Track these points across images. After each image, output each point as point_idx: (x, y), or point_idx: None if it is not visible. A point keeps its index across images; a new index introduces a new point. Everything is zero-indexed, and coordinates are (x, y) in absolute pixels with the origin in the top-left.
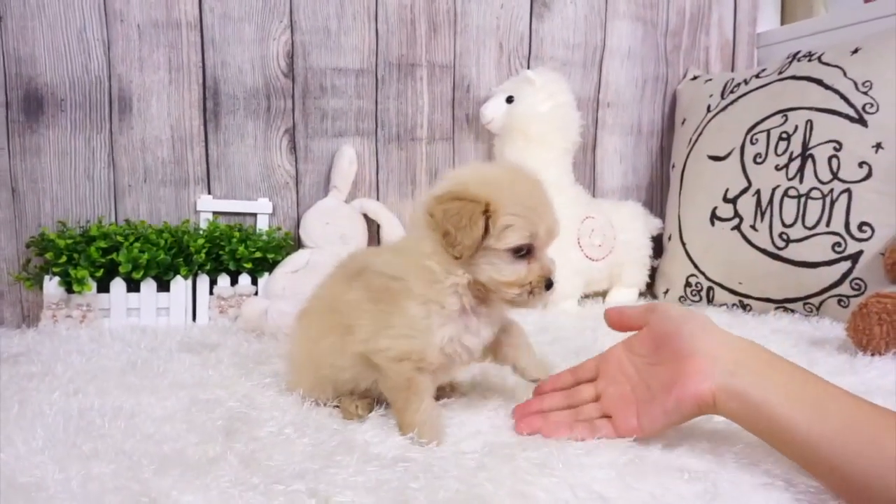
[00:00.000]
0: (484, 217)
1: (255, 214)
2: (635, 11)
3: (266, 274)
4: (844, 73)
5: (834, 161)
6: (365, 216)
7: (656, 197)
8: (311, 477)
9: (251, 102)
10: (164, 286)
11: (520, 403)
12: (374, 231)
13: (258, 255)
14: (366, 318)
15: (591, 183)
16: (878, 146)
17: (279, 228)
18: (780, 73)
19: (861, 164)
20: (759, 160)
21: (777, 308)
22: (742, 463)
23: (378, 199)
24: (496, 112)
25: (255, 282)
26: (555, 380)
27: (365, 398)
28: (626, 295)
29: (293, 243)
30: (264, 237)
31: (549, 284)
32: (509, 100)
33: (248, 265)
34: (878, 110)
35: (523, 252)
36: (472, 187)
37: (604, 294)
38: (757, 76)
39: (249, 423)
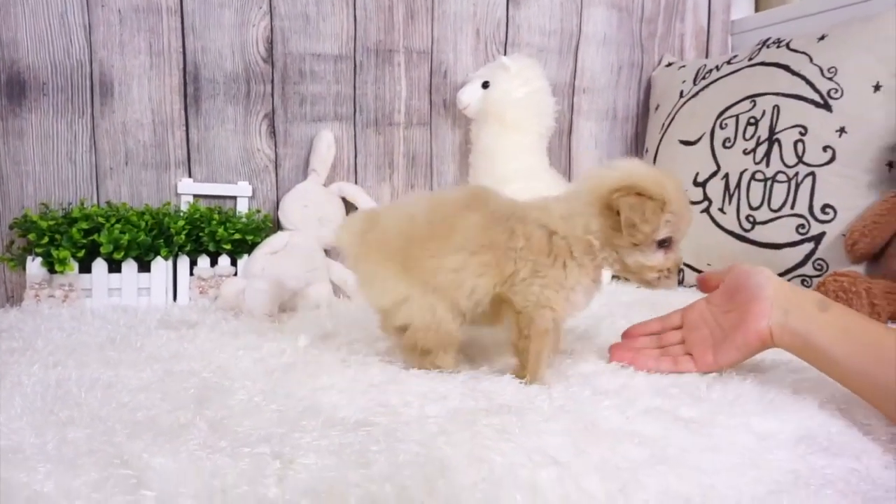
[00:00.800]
0: (661, 213)
1: (235, 197)
2: None
3: (245, 255)
4: (811, 60)
5: (799, 145)
6: (343, 199)
7: None
8: (276, 441)
9: (231, 87)
10: (145, 267)
11: (614, 343)
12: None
13: (237, 236)
14: (521, 265)
15: (567, 168)
16: (842, 131)
17: (258, 211)
18: (750, 59)
19: (825, 149)
20: (728, 145)
21: None
22: (691, 429)
23: (356, 182)
24: (472, 97)
25: (234, 263)
26: (644, 326)
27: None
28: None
29: (272, 225)
30: (244, 219)
31: (678, 271)
32: (485, 85)
33: (228, 246)
34: (842, 96)
35: (665, 243)
36: (651, 187)
37: None
38: (728, 62)
39: (221, 392)
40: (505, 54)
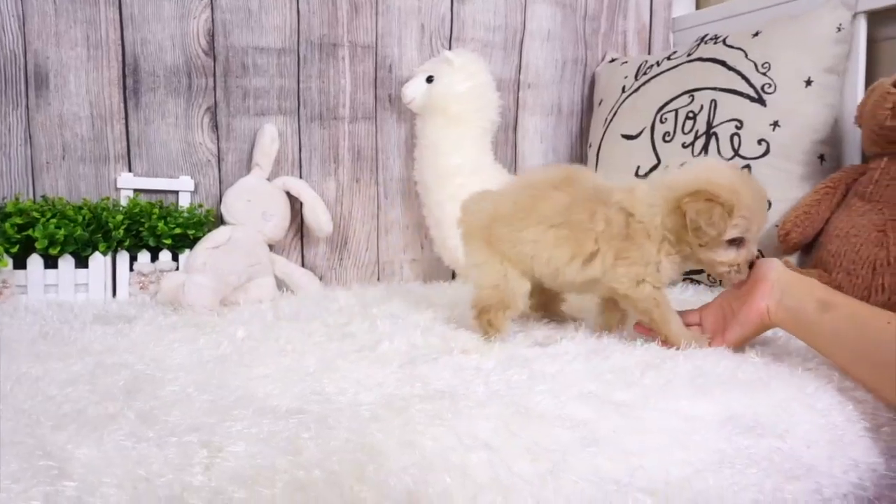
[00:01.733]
0: (729, 218)
1: (176, 192)
2: None
3: (187, 250)
4: (746, 55)
5: (735, 139)
6: (287, 194)
7: None
8: (206, 430)
9: (172, 80)
10: (82, 262)
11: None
12: (297, 209)
13: (179, 231)
14: (604, 248)
15: (513, 162)
16: (775, 124)
17: (201, 206)
18: (689, 55)
19: (760, 142)
20: (667, 138)
21: (684, 280)
22: (622, 412)
23: (301, 177)
24: (416, 92)
25: (175, 258)
26: None
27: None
28: None
29: (215, 220)
30: (185, 214)
31: (750, 265)
32: (429, 80)
33: (169, 241)
34: (775, 90)
35: (737, 242)
36: (723, 193)
37: None
38: (668, 58)
39: (153, 383)
40: (450, 49)
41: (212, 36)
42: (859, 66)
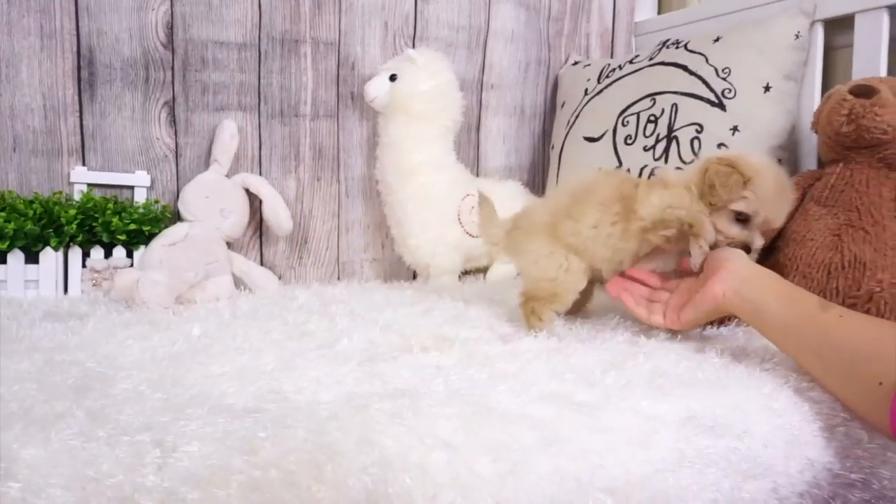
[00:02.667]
0: (742, 188)
1: (132, 187)
2: None
3: (142, 247)
4: (707, 60)
5: (696, 142)
6: (247, 191)
7: (538, 177)
8: (158, 429)
9: (129, 73)
10: (33, 258)
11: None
12: (256, 206)
13: (134, 227)
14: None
15: (475, 162)
16: (735, 129)
17: (157, 201)
18: (651, 59)
19: (719, 146)
20: (629, 141)
21: None
22: (584, 412)
23: (261, 174)
24: (379, 90)
25: (130, 255)
26: (646, 274)
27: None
28: (505, 270)
29: (172, 217)
30: (141, 209)
31: (745, 248)
32: (392, 78)
33: (123, 237)
34: (735, 95)
35: (742, 217)
36: (744, 166)
37: (484, 270)
38: (630, 62)
39: (104, 381)
40: (413, 48)
41: (171, 29)
42: (816, 73)
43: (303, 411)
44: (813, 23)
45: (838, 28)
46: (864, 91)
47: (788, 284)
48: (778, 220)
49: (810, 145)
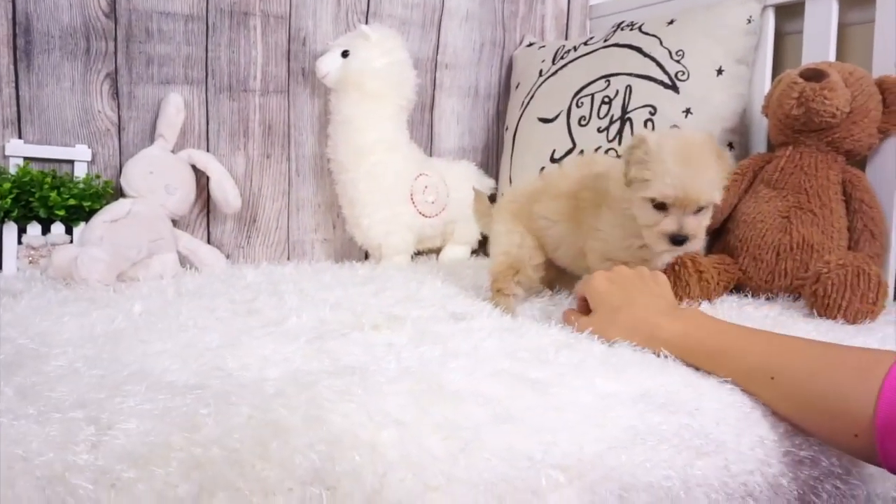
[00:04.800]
0: (638, 161)
1: (72, 161)
2: None
3: (82, 223)
4: (661, 42)
5: (649, 124)
6: (193, 168)
7: (492, 159)
8: (94, 406)
9: (68, 42)
10: None
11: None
12: (203, 183)
13: (73, 202)
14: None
15: (429, 143)
16: (688, 111)
17: (98, 176)
18: (606, 40)
19: (672, 128)
20: (583, 123)
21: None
22: (536, 389)
23: (208, 150)
24: (331, 66)
25: (69, 231)
26: None
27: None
28: (459, 252)
29: (114, 193)
30: (81, 185)
31: (674, 240)
32: (345, 54)
33: (62, 213)
34: (688, 78)
35: (658, 205)
36: (651, 142)
37: (438, 251)
38: (585, 43)
39: (37, 358)
40: (366, 24)
41: None
42: (767, 57)
43: (248, 388)
44: (764, 8)
45: (789, 14)
46: (815, 75)
47: (715, 337)
48: (702, 195)
49: (761, 128)
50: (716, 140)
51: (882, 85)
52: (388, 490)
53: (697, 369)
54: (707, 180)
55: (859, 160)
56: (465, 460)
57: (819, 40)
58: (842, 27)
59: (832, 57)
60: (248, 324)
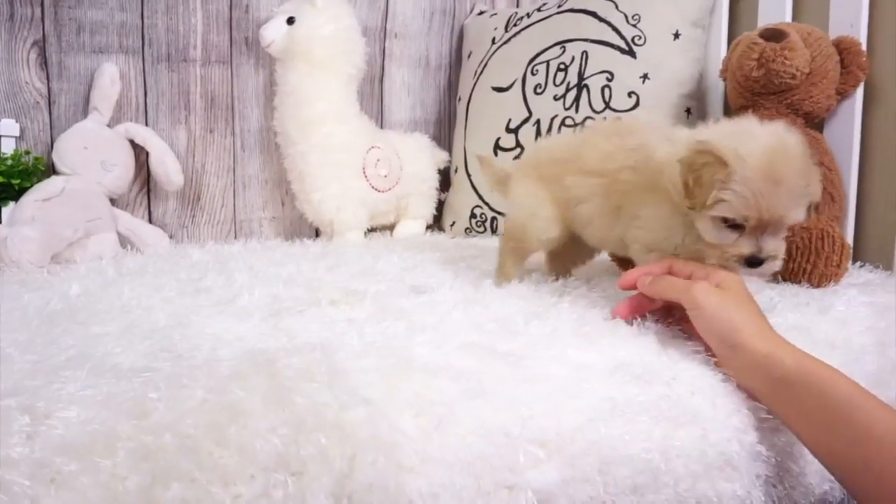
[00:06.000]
0: (718, 181)
1: None
2: None
3: (12, 203)
4: (616, 7)
5: (606, 91)
6: (132, 143)
7: (444, 131)
8: (28, 394)
9: None
10: None
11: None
12: (142, 160)
13: (1, 180)
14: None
15: (379, 115)
16: (645, 77)
17: (28, 152)
18: (560, 6)
19: (630, 94)
20: (539, 91)
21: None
22: (509, 362)
23: (147, 124)
24: (276, 34)
25: None
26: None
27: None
28: (413, 227)
29: (45, 170)
30: (9, 161)
31: (750, 262)
32: (290, 21)
33: None
34: (645, 42)
35: (733, 224)
36: (728, 155)
37: (391, 227)
38: (539, 10)
39: None
40: None
41: None
42: (723, 21)
43: (201, 370)
44: None
45: None
46: (775, 35)
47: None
48: (789, 218)
49: (717, 93)
50: (804, 143)
51: (840, 45)
52: (358, 473)
53: (672, 336)
54: (796, 196)
55: (817, 122)
56: (440, 438)
57: (775, 2)
58: None
59: (788, 18)
60: (197, 303)
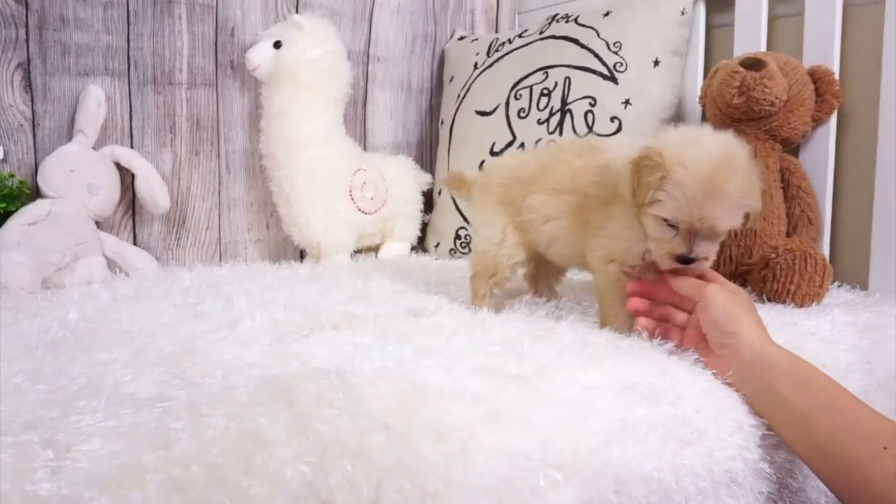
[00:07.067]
0: (655, 183)
1: None
2: None
3: None
4: (598, 34)
5: (589, 116)
6: (118, 165)
7: (426, 154)
8: (47, 427)
9: None
10: None
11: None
12: (127, 183)
13: None
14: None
15: (362, 138)
16: (627, 102)
17: (12, 175)
18: (542, 32)
19: (612, 119)
20: (522, 115)
21: None
22: (520, 384)
23: (132, 147)
24: (263, 58)
25: None
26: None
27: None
28: (398, 249)
29: (30, 193)
30: None
31: (681, 259)
32: (277, 45)
33: None
34: (626, 69)
35: (671, 224)
36: (667, 158)
37: (377, 248)
38: (520, 36)
39: None
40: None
41: None
42: (699, 49)
43: (218, 397)
44: (696, 1)
45: (718, 8)
46: (755, 64)
47: (797, 359)
48: (719, 227)
49: (695, 118)
50: (745, 150)
51: (814, 75)
52: (385, 499)
53: (670, 354)
54: (729, 206)
55: (794, 148)
56: (463, 464)
57: (750, 32)
58: (770, 20)
59: (763, 48)
60: (199, 328)
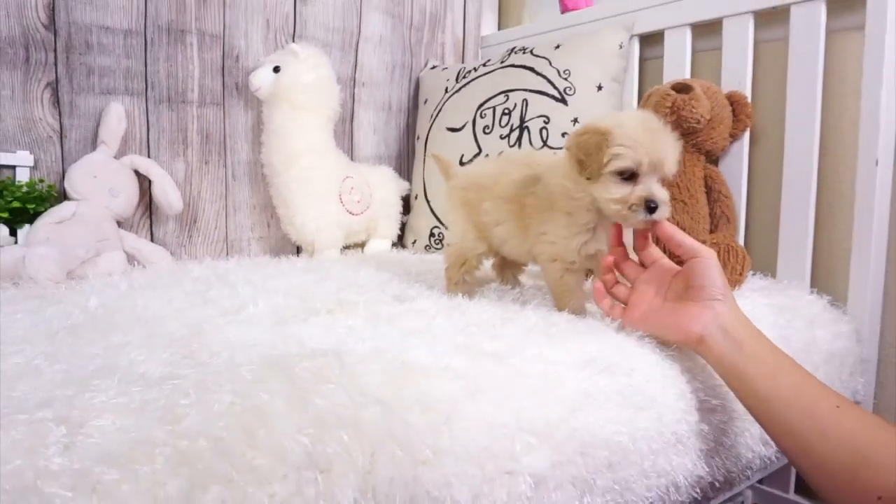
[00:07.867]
0: (605, 145)
1: (13, 167)
2: (386, 6)
3: (27, 226)
4: (550, 63)
5: (544, 132)
6: (136, 172)
7: (404, 165)
8: (61, 404)
9: (7, 52)
10: None
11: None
12: (145, 187)
13: (17, 205)
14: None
15: (350, 150)
16: (575, 120)
17: (42, 180)
18: (503, 62)
19: (563, 135)
20: (487, 131)
21: None
22: (496, 361)
23: (149, 156)
24: (264, 81)
25: (14, 233)
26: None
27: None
28: (381, 245)
29: (57, 196)
30: (24, 188)
31: (649, 206)
32: (276, 70)
33: (5, 215)
34: (574, 93)
35: (627, 176)
36: (601, 124)
37: (362, 245)
38: (484, 65)
39: None
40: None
41: (52, 10)
42: (633, 78)
43: (224, 375)
44: (631, 36)
45: (649, 43)
46: (683, 88)
47: (774, 350)
48: (668, 162)
49: None
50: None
51: (731, 98)
52: (379, 467)
53: (623, 333)
54: (672, 141)
55: (715, 159)
56: (448, 433)
57: (677, 63)
58: (694, 53)
59: (688, 76)
60: (207, 313)
